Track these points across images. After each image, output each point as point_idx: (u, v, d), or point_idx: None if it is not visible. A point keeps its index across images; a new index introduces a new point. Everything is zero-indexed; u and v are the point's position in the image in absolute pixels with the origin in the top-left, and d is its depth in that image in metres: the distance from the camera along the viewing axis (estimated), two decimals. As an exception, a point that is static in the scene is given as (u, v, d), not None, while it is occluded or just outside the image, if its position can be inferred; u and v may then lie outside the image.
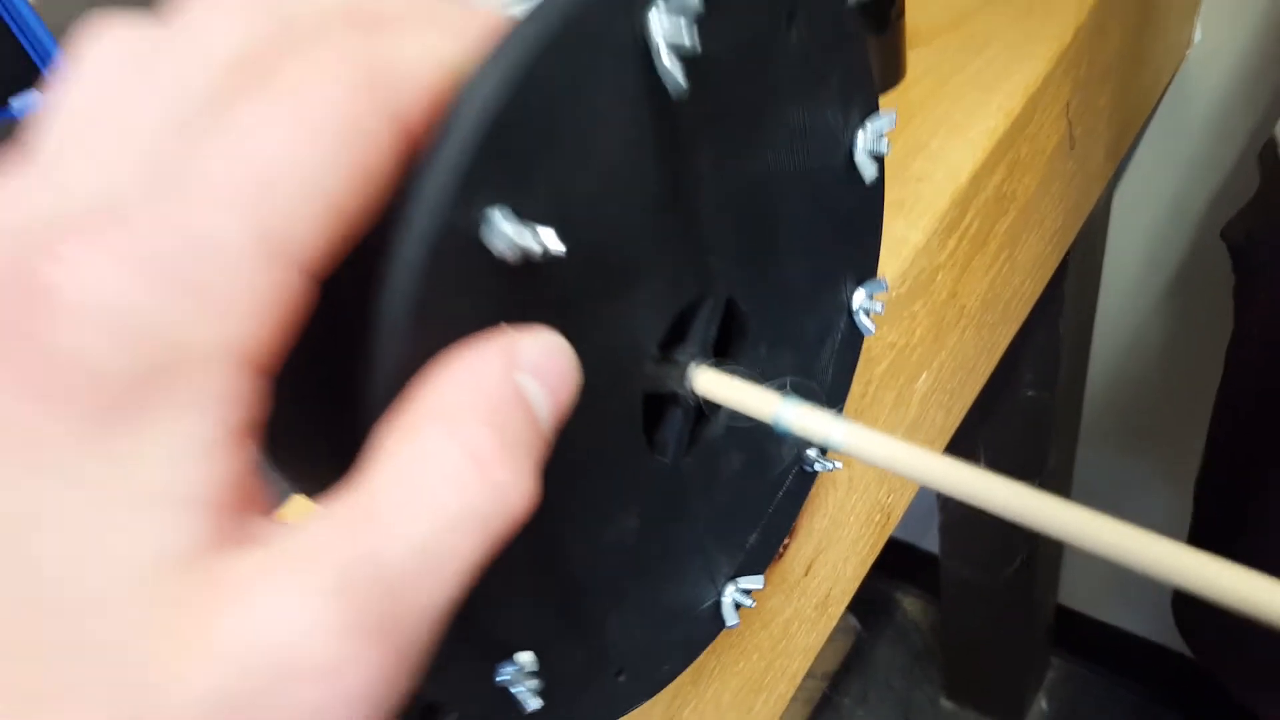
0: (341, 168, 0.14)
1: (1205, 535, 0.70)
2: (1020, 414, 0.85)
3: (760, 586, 0.29)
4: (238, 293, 0.13)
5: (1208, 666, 0.71)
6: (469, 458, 0.15)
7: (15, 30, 0.56)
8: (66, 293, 0.13)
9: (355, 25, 0.16)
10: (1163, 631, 1.23)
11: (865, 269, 0.29)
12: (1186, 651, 0.91)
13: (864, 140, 0.26)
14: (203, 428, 0.13)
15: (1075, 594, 1.22)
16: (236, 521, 0.14)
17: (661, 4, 0.18)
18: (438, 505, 0.14)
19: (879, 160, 0.27)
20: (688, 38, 0.19)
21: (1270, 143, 0.51)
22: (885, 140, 0.26)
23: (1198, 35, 0.69)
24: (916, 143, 0.43)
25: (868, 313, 0.29)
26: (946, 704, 1.31)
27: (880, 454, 0.20)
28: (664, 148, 0.20)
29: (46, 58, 0.55)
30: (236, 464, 0.14)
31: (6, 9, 0.54)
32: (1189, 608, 0.72)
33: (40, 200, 0.14)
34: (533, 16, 0.17)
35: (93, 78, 0.16)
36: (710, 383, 0.23)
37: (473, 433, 0.15)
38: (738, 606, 0.28)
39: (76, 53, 0.17)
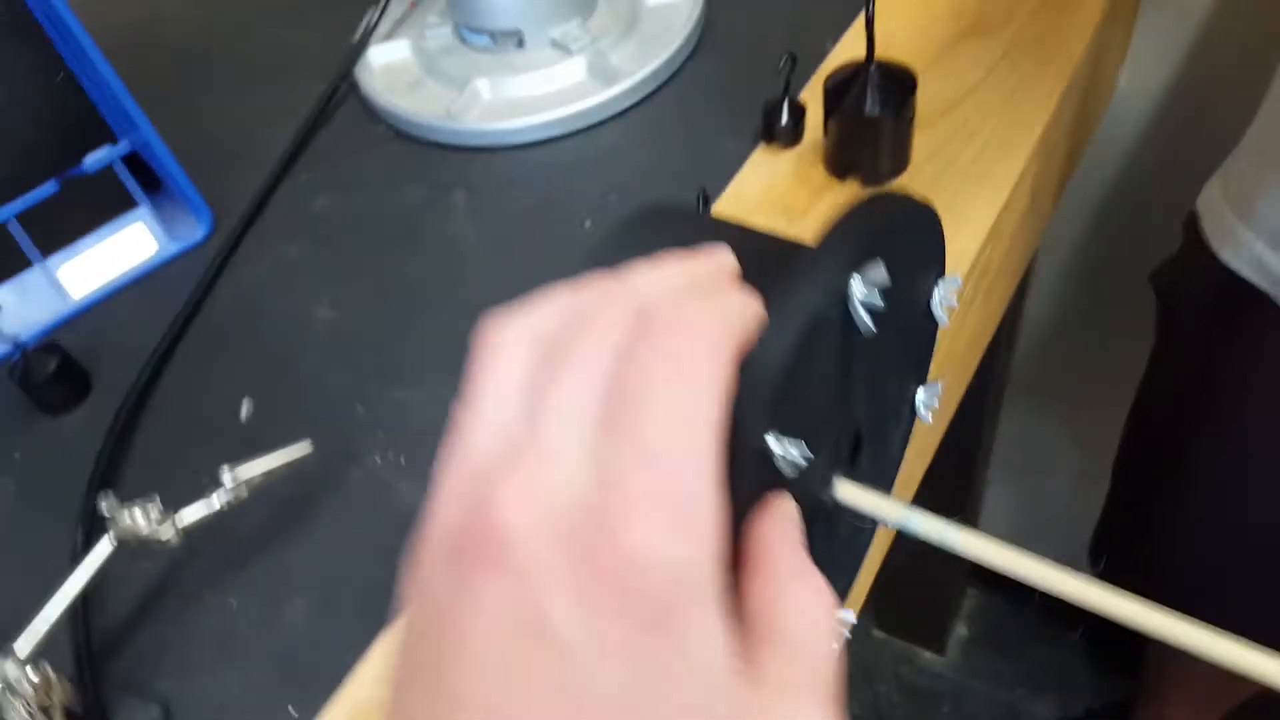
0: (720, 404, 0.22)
1: (1120, 507, 0.83)
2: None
3: (853, 621, 0.38)
4: (712, 517, 0.21)
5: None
6: (818, 592, 0.24)
7: (87, 88, 0.60)
8: (634, 539, 0.19)
9: (705, 298, 0.24)
10: (1068, 561, 1.38)
11: (924, 374, 0.39)
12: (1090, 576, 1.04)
13: (940, 296, 0.35)
14: (720, 620, 0.21)
15: (990, 529, 1.37)
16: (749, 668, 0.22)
17: (860, 280, 0.27)
18: (824, 628, 0.23)
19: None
20: (879, 300, 0.27)
21: (1192, 213, 0.62)
22: (955, 296, 0.35)
23: (1122, 81, 0.79)
24: (927, 230, 0.52)
25: (926, 406, 0.38)
26: (878, 634, 1.46)
27: (988, 555, 0.30)
28: (849, 364, 0.29)
29: (120, 114, 0.59)
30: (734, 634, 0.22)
31: (81, 66, 0.58)
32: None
33: (575, 477, 0.21)
34: (793, 298, 0.25)
35: (516, 359, 0.24)
36: (851, 494, 0.32)
37: (812, 577, 0.24)
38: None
39: (490, 341, 0.25)
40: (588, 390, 0.23)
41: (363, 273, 0.58)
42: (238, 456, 0.50)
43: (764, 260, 0.30)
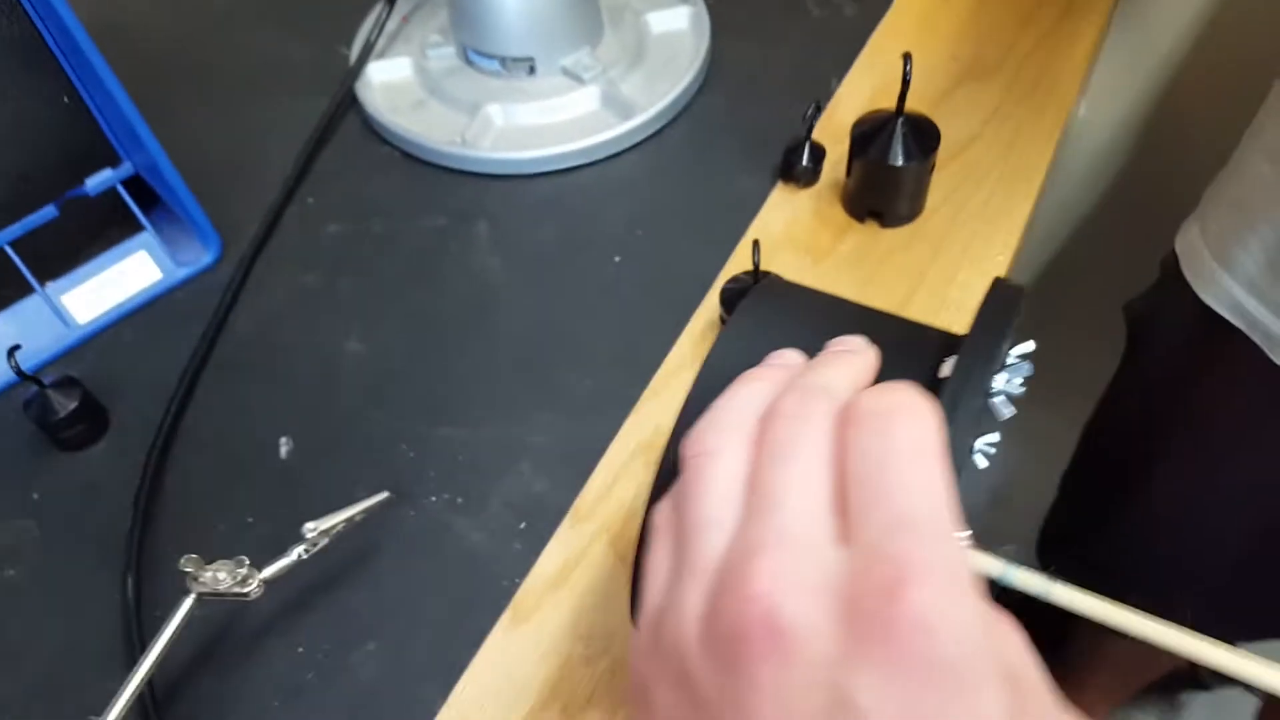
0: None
1: (1064, 519, 0.89)
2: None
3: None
4: (972, 579, 0.21)
5: None
6: None
7: (93, 108, 0.57)
8: (919, 605, 0.20)
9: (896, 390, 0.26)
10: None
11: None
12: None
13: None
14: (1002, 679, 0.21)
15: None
16: None
17: (1005, 376, 0.30)
18: None
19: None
20: (1019, 390, 0.30)
21: (1172, 253, 0.67)
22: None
23: (1082, 111, 0.84)
24: (949, 274, 0.55)
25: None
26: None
27: (1088, 608, 0.33)
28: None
29: (125, 136, 0.57)
30: None
31: (87, 87, 0.56)
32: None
33: (827, 558, 0.22)
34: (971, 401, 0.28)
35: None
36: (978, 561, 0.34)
37: None
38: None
39: (699, 451, 0.26)
40: (816, 479, 0.24)
41: (389, 304, 0.58)
42: (281, 497, 0.50)
43: (906, 345, 0.32)
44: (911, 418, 0.24)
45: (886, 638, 0.20)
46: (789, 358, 0.31)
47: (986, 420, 0.31)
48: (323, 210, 0.63)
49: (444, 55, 0.68)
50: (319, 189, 0.64)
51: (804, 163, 0.60)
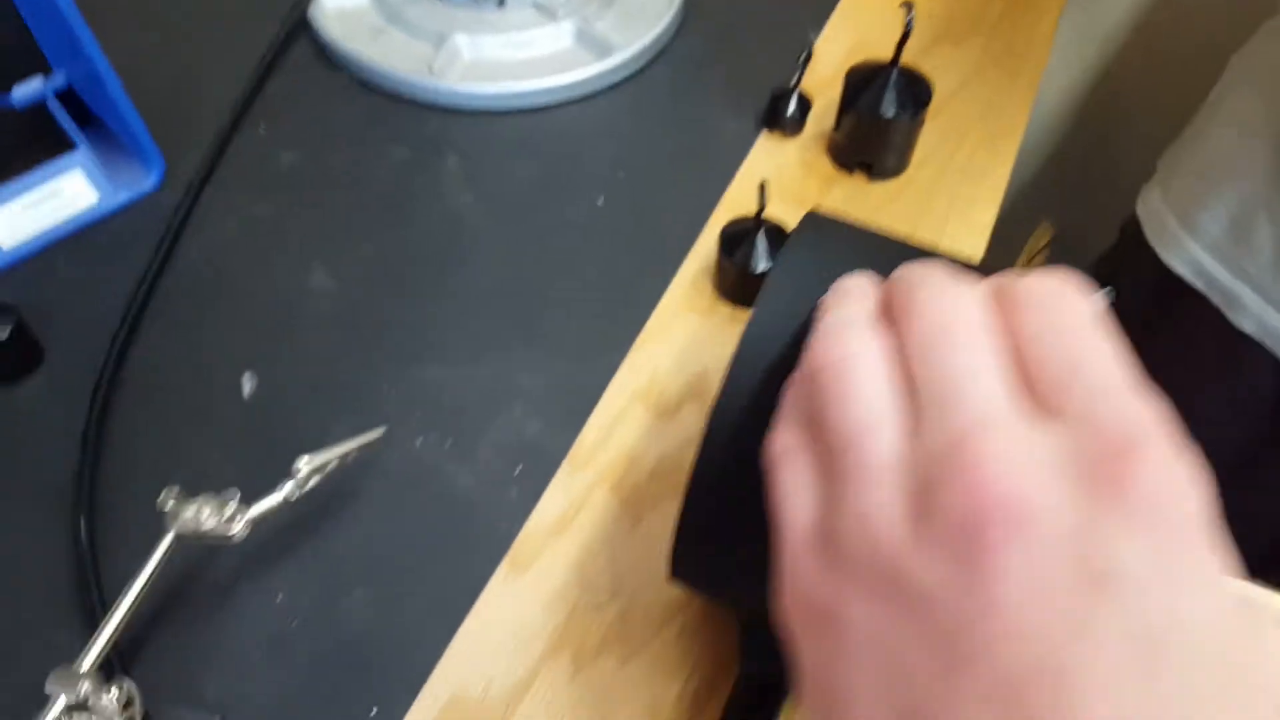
0: None
1: None
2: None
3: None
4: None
5: None
6: None
7: (24, 15, 0.52)
8: (1154, 465, 0.19)
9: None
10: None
11: None
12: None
13: None
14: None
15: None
16: None
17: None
18: None
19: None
20: None
21: (1132, 217, 0.68)
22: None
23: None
24: (938, 228, 0.55)
25: None
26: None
27: None
28: None
29: (60, 41, 0.51)
30: None
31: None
32: None
33: (1029, 435, 0.20)
34: None
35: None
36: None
37: None
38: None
39: (832, 360, 0.24)
40: (987, 362, 0.22)
41: (354, 239, 0.54)
42: (248, 438, 0.46)
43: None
44: (1076, 296, 0.23)
45: (1130, 498, 0.19)
46: (863, 279, 0.29)
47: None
48: (276, 138, 0.58)
49: (404, -18, 0.64)
50: (271, 116, 0.59)
51: (790, 112, 0.58)
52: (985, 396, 0.21)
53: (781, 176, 0.57)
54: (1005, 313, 0.23)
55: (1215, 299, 0.61)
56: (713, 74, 0.63)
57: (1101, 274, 0.75)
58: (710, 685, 0.40)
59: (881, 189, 0.57)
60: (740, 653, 0.39)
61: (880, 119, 0.54)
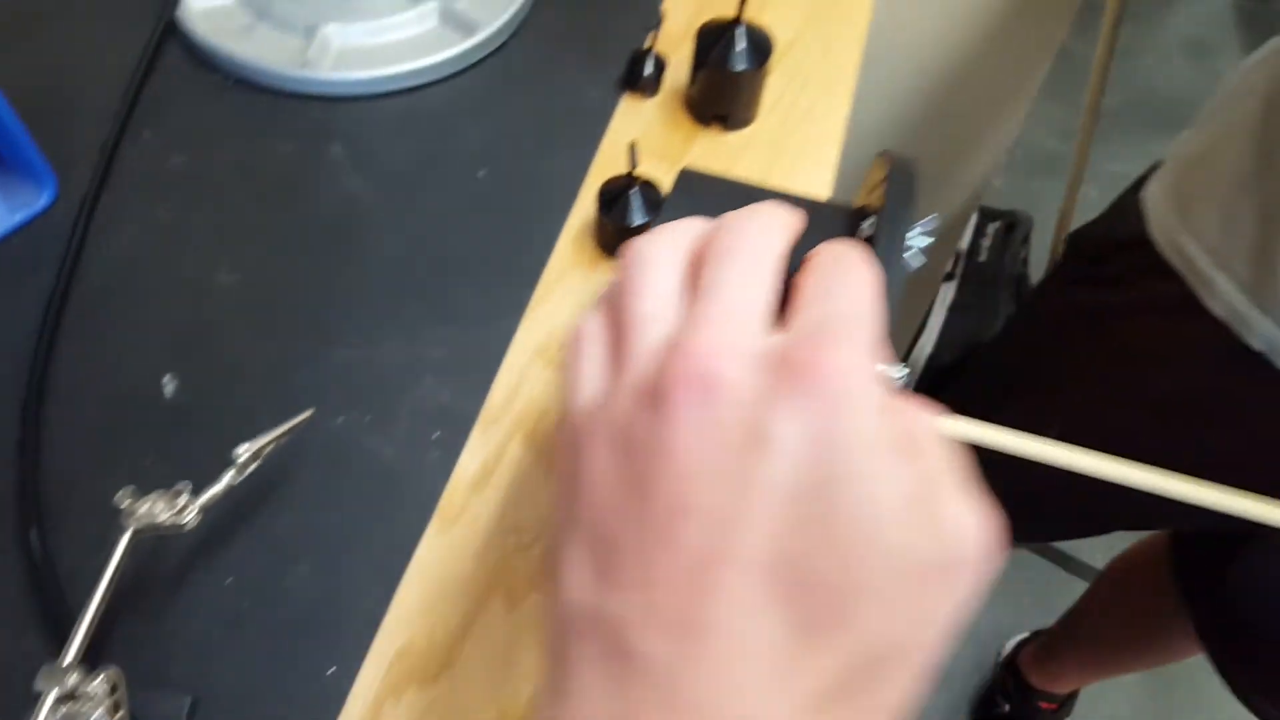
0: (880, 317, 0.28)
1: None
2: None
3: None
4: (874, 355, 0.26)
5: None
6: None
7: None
8: (839, 357, 0.24)
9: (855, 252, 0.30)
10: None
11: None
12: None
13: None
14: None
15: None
16: None
17: (919, 233, 0.35)
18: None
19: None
20: (930, 242, 0.35)
21: (1134, 200, 0.74)
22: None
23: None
24: (790, 170, 0.61)
25: None
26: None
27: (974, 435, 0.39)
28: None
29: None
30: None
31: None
32: None
33: (759, 329, 0.26)
34: (895, 255, 0.32)
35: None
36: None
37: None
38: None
39: (638, 254, 0.30)
40: (759, 279, 0.28)
41: (253, 233, 0.57)
42: (177, 436, 0.49)
43: (815, 215, 0.36)
44: (863, 264, 0.29)
45: (804, 380, 0.24)
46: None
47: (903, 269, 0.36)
48: (162, 143, 0.60)
49: (266, -24, 0.66)
50: (154, 121, 0.61)
51: (648, 72, 0.63)
52: (737, 301, 0.27)
53: (646, 134, 0.62)
54: (787, 243, 0.29)
55: (1192, 281, 0.67)
56: (572, 43, 0.67)
57: (1091, 235, 0.81)
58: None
59: (736, 138, 0.62)
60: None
61: (730, 73, 0.59)
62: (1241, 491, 0.35)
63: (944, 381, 1.40)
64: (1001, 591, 1.63)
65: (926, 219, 0.37)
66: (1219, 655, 0.91)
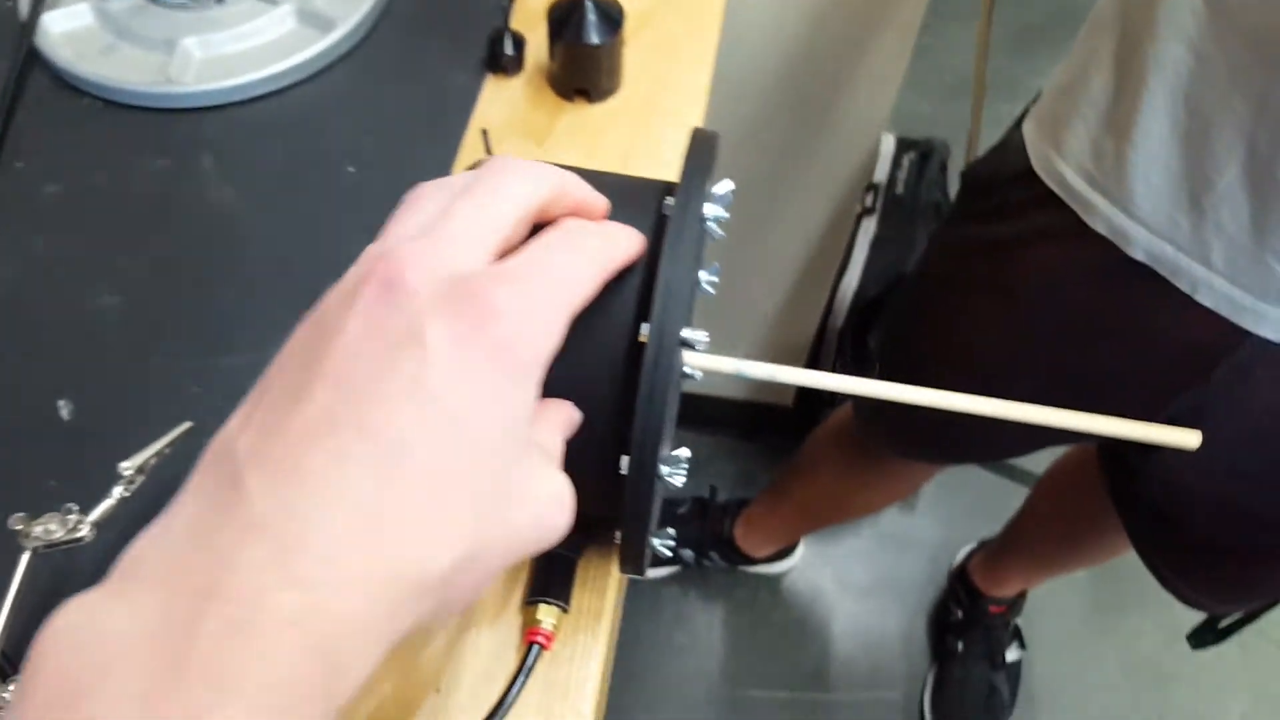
0: (593, 284, 0.32)
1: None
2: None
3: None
4: (560, 331, 0.30)
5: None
6: None
7: None
8: (505, 300, 0.28)
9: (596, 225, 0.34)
10: (737, 390, 1.61)
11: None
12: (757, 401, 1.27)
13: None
14: (536, 390, 0.29)
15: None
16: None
17: (714, 203, 0.37)
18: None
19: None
20: (726, 214, 0.38)
21: (1015, 135, 0.77)
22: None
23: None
24: (657, 136, 0.63)
25: (708, 283, 0.49)
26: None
27: (809, 381, 0.41)
28: (697, 264, 0.39)
29: None
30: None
31: None
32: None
33: (468, 259, 0.29)
34: (671, 234, 0.35)
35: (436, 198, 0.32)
36: (707, 361, 0.42)
37: None
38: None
39: (414, 192, 0.33)
40: (492, 220, 0.31)
41: (133, 254, 0.58)
42: (77, 457, 0.51)
43: (632, 193, 0.39)
44: (589, 236, 0.33)
45: (468, 304, 0.28)
46: None
47: (705, 242, 0.38)
48: (35, 172, 0.61)
49: (123, -5, 0.67)
50: (25, 152, 0.62)
51: (508, 52, 0.64)
52: (459, 230, 0.30)
53: (512, 115, 0.64)
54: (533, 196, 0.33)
55: (1074, 204, 0.70)
56: (432, 30, 0.68)
57: (980, 172, 0.83)
58: (514, 568, 0.48)
59: (602, 110, 0.64)
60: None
61: (585, 46, 0.61)
62: (1077, 412, 0.38)
63: (872, 315, 1.43)
64: (950, 506, 1.68)
65: (722, 190, 0.39)
66: (1144, 549, 0.96)
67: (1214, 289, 0.65)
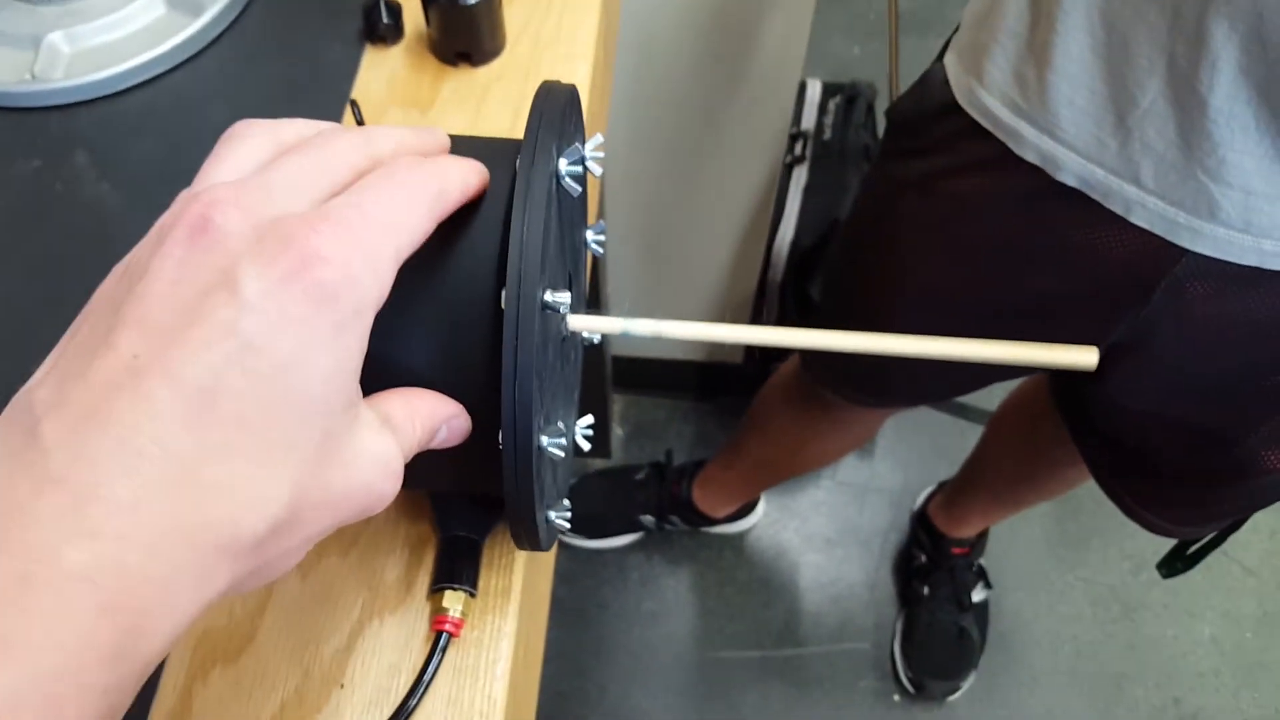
0: (422, 224, 0.31)
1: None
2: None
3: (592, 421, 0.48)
4: (388, 277, 0.29)
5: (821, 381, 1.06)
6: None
7: None
8: (325, 243, 0.27)
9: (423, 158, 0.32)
10: (689, 352, 1.60)
11: (587, 218, 0.48)
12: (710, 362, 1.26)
13: (590, 155, 0.43)
14: (366, 332, 0.28)
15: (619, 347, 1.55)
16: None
17: (565, 159, 0.36)
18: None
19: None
20: (581, 169, 0.36)
21: (937, 69, 0.76)
22: (601, 153, 0.44)
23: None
24: (542, 94, 0.61)
25: (596, 242, 0.48)
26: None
27: (701, 334, 0.40)
28: (560, 223, 0.38)
29: None
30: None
31: None
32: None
33: (287, 205, 0.28)
34: (536, 182, 0.33)
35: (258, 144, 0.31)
36: (585, 322, 0.41)
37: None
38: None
39: (233, 133, 0.32)
40: (319, 171, 0.30)
41: (6, 260, 0.56)
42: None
43: (491, 155, 0.37)
44: (408, 175, 0.31)
45: (285, 247, 0.26)
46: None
47: (563, 197, 0.37)
48: (-101, 183, 0.59)
49: (-20, -8, 0.64)
50: (-114, 163, 0.60)
51: (384, 21, 0.62)
52: (282, 178, 0.29)
53: (394, 85, 0.62)
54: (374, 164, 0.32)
55: (1001, 135, 0.69)
56: (305, 5, 0.66)
57: (905, 109, 0.82)
58: (417, 554, 0.47)
59: (487, 72, 0.62)
60: (436, 521, 0.47)
61: (461, 8, 0.59)
62: (972, 340, 0.37)
63: (811, 264, 1.42)
64: (907, 450, 1.69)
65: (592, 145, 0.38)
66: (1104, 478, 0.96)
67: (1147, 208, 0.65)
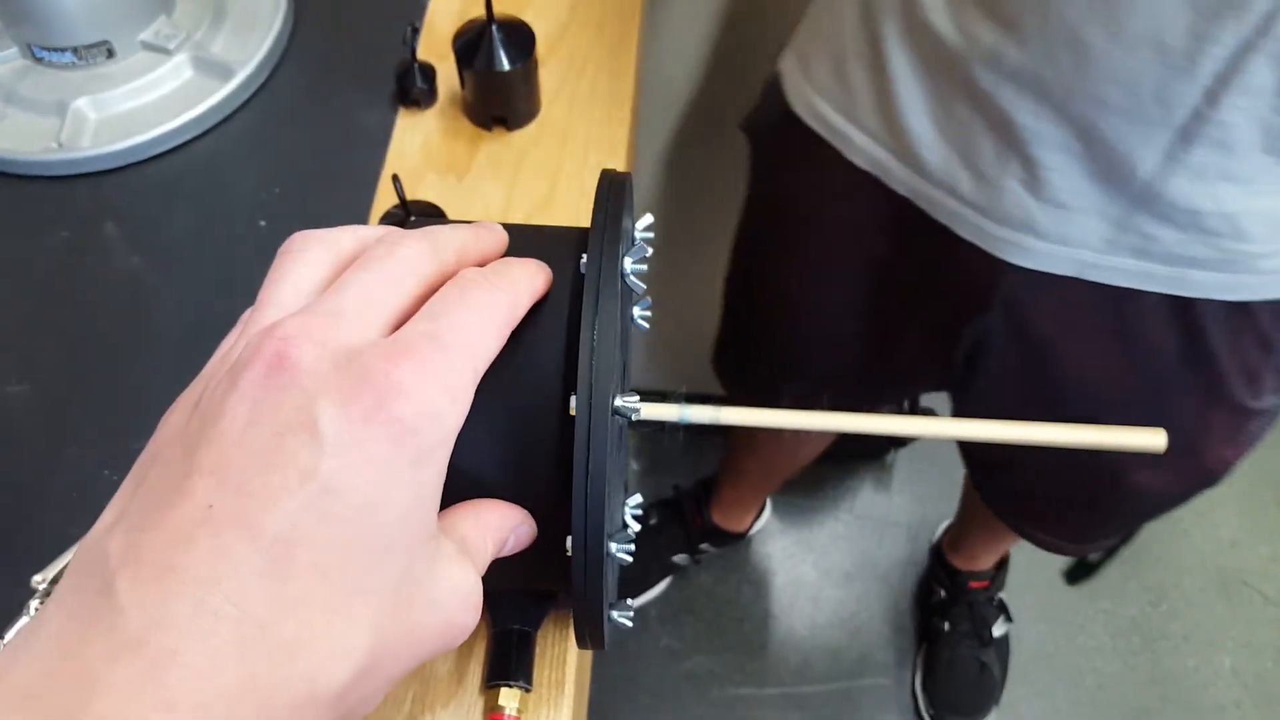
0: (497, 344, 0.30)
1: (729, 331, 1.00)
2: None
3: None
4: (467, 401, 0.28)
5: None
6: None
7: None
8: (405, 376, 0.26)
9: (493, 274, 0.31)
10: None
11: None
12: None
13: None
14: (446, 450, 0.27)
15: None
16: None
17: (629, 259, 0.35)
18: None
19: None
20: (645, 267, 0.35)
21: (775, 73, 0.75)
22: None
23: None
24: (581, 160, 0.60)
25: (642, 318, 0.46)
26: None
27: (754, 420, 0.39)
28: (624, 315, 0.37)
29: None
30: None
31: None
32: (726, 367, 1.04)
33: (362, 336, 0.27)
34: (587, 304, 0.32)
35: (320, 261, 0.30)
36: (651, 410, 0.40)
37: None
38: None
39: (291, 249, 0.30)
40: (387, 290, 0.29)
41: (37, 335, 0.55)
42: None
43: (553, 246, 0.36)
44: (481, 290, 0.30)
45: (364, 383, 0.25)
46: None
47: (630, 294, 0.36)
48: (-75, 257, 0.58)
49: (6, 58, 0.63)
50: (-87, 234, 0.59)
51: (418, 85, 0.61)
52: (352, 301, 0.28)
53: (429, 150, 0.61)
54: (443, 280, 0.30)
55: (834, 141, 0.68)
56: (338, 66, 0.65)
57: (752, 128, 0.82)
58: (469, 646, 0.46)
59: (522, 136, 0.61)
60: (488, 613, 0.46)
61: (496, 74, 0.58)
62: (1031, 423, 0.36)
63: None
64: (925, 482, 1.67)
65: (643, 226, 0.37)
66: (991, 501, 1.01)
67: (968, 221, 0.64)
